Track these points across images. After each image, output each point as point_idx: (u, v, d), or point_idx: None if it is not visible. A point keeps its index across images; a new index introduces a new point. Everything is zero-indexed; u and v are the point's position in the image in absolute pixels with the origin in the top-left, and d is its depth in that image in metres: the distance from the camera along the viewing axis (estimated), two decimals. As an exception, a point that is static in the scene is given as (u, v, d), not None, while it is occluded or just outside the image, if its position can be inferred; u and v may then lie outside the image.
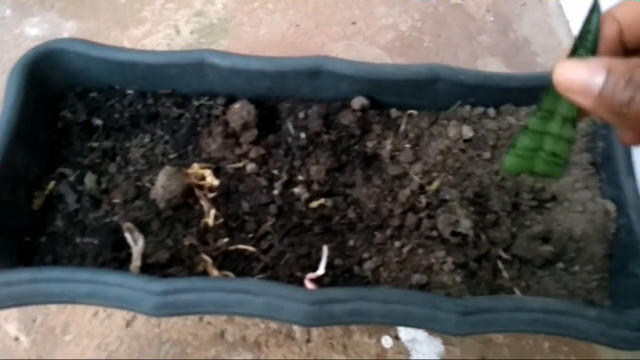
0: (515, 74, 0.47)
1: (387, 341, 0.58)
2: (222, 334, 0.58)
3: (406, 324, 0.39)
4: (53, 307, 0.56)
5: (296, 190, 0.50)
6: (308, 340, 0.58)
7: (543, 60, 0.80)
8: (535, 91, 0.48)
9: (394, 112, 0.54)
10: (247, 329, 0.58)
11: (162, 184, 0.47)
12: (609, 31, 0.28)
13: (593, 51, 0.29)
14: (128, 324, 0.57)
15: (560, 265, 0.46)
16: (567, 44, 0.82)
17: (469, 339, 0.60)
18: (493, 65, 0.79)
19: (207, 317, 0.58)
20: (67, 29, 0.80)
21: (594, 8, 0.29)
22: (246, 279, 0.42)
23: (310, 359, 0.57)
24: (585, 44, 0.29)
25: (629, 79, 0.24)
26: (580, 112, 0.28)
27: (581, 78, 0.25)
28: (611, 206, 0.46)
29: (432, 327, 0.39)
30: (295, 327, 0.58)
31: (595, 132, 0.50)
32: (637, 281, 0.43)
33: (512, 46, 0.81)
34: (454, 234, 0.47)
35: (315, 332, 0.58)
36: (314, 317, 0.38)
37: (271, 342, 0.57)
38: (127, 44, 0.78)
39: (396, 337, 0.58)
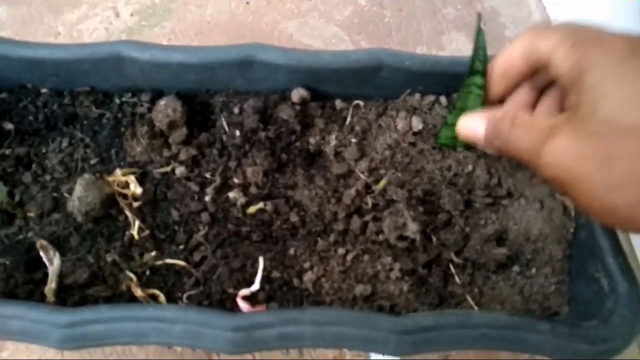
0: (463, 58, 0.42)
1: (344, 343, 0.55)
2: (169, 345, 0.54)
3: (342, 346, 0.36)
4: (-19, 326, 0.52)
5: (231, 194, 0.45)
6: (261, 346, 0.55)
7: (512, 33, 0.75)
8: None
9: (338, 104, 0.49)
10: (196, 337, 0.54)
11: (79, 195, 0.43)
12: (514, 52, 0.35)
13: (484, 62, 0.40)
14: (68, 337, 0.53)
15: (516, 268, 0.43)
16: (538, 15, 0.77)
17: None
18: (459, 41, 0.74)
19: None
20: (-4, 15, 0.73)
21: (479, 31, 0.41)
22: (161, 306, 0.38)
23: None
24: (479, 57, 0.40)
25: (495, 133, 0.34)
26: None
27: (471, 129, 0.36)
28: (570, 203, 0.42)
29: (369, 348, 0.36)
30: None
31: (555, 120, 0.45)
32: (597, 286, 0.39)
33: (479, 19, 0.76)
34: (401, 238, 0.43)
35: (268, 337, 0.55)
36: (239, 344, 0.35)
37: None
38: (61, 30, 0.72)
39: (354, 339, 0.55)
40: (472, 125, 0.36)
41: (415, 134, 0.47)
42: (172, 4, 0.74)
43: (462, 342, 0.36)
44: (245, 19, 0.74)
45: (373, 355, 0.54)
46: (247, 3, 0.75)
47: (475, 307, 0.41)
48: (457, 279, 0.43)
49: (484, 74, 0.40)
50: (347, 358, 0.55)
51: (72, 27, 0.72)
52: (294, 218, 0.45)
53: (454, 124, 0.44)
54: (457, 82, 0.43)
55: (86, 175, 0.44)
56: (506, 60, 0.36)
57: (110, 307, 0.35)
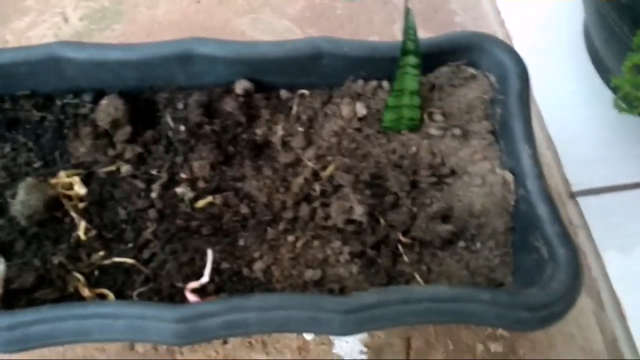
0: (400, 42, 0.43)
1: (308, 333, 0.56)
2: (131, 346, 0.54)
3: (288, 330, 0.36)
4: None
5: (179, 190, 0.45)
6: (225, 342, 0.55)
7: (461, 19, 0.76)
8: (426, 58, 0.45)
9: (283, 94, 0.49)
10: (158, 337, 0.54)
11: (21, 199, 0.42)
12: None
13: (416, 41, 0.41)
14: (28, 346, 0.53)
15: (461, 244, 0.43)
16: (486, 2, 0.78)
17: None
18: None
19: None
20: (-59, 25, 0.72)
21: (407, 11, 0.42)
22: (102, 302, 0.38)
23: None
24: (410, 37, 0.42)
25: None
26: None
27: None
28: (509, 177, 0.43)
29: (315, 330, 0.36)
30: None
31: (494, 99, 0.46)
32: (537, 255, 0.40)
33: (429, 6, 0.77)
34: (349, 221, 0.43)
35: (232, 332, 0.55)
36: (184, 336, 0.35)
37: (185, 348, 0.54)
38: (10, 38, 0.71)
39: (318, 328, 0.56)
40: None
41: (360, 119, 0.48)
42: (122, 7, 0.74)
43: (406, 318, 0.36)
44: (197, 17, 0.74)
45: (337, 343, 0.55)
46: (198, 2, 0.75)
47: (423, 284, 0.42)
48: (405, 257, 0.43)
49: (416, 53, 0.41)
50: (311, 355, 0.55)
51: (21, 35, 0.71)
52: (243, 210, 0.45)
53: (395, 107, 0.45)
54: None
55: (28, 179, 0.43)
56: None
57: (50, 307, 0.35)
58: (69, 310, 0.35)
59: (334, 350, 0.55)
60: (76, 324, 0.34)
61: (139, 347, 0.54)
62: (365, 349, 0.55)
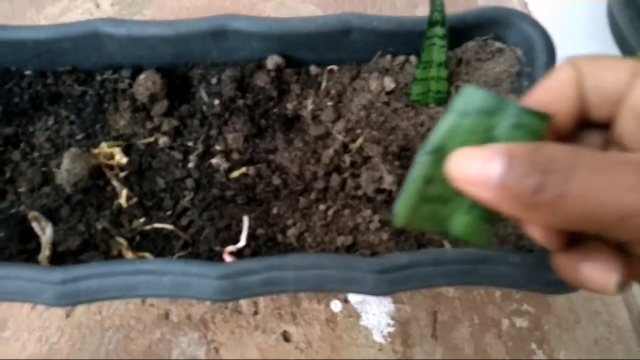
0: (427, 17, 0.44)
1: (336, 305, 0.57)
2: (166, 315, 0.56)
3: (324, 289, 0.38)
4: (-11, 304, 0.54)
5: (214, 161, 0.47)
6: (255, 313, 0.57)
7: (485, 2, 0.77)
8: (453, 33, 0.46)
9: (313, 69, 0.51)
10: (192, 308, 0.56)
11: (67, 168, 0.44)
12: (564, 78, 0.24)
13: (442, 11, 0.42)
14: (68, 314, 0.55)
15: (490, 212, 0.44)
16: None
17: (418, 295, 0.59)
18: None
19: (149, 300, 0.57)
20: (-21, 12, 0.75)
21: None
22: (149, 260, 0.39)
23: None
24: (436, 8, 0.43)
25: (533, 160, 0.20)
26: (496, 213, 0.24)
27: (475, 169, 0.21)
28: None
29: (350, 289, 0.38)
30: (242, 301, 0.57)
31: (520, 72, 0.47)
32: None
33: (452, -11, 0.78)
34: (379, 191, 0.45)
35: (262, 303, 0.57)
36: (226, 292, 0.36)
37: (217, 318, 0.56)
38: (44, 24, 0.73)
39: (345, 301, 0.57)
40: (477, 162, 0.21)
41: (388, 93, 0.49)
42: (151, -7, 0.76)
43: (437, 279, 0.38)
44: (223, 2, 0.75)
45: (364, 316, 0.56)
46: (225, -13, 0.76)
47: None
48: (434, 226, 0.44)
49: (443, 23, 0.42)
50: (338, 327, 0.56)
51: (54, 21, 0.73)
52: (276, 180, 0.47)
53: (423, 79, 0.46)
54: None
55: (72, 149, 0.45)
56: (550, 90, 0.25)
57: (101, 263, 0.37)
58: (118, 266, 0.37)
59: (362, 323, 0.56)
60: (124, 280, 0.36)
61: (173, 317, 0.56)
62: (392, 322, 0.56)
